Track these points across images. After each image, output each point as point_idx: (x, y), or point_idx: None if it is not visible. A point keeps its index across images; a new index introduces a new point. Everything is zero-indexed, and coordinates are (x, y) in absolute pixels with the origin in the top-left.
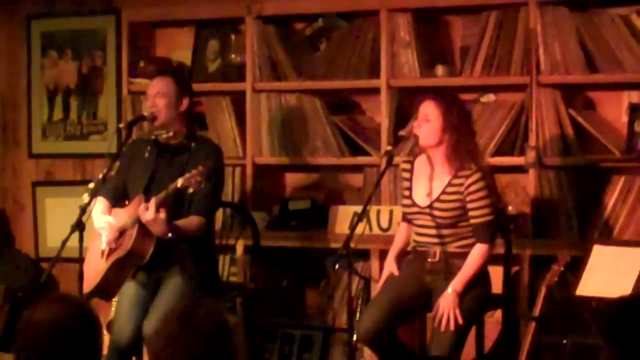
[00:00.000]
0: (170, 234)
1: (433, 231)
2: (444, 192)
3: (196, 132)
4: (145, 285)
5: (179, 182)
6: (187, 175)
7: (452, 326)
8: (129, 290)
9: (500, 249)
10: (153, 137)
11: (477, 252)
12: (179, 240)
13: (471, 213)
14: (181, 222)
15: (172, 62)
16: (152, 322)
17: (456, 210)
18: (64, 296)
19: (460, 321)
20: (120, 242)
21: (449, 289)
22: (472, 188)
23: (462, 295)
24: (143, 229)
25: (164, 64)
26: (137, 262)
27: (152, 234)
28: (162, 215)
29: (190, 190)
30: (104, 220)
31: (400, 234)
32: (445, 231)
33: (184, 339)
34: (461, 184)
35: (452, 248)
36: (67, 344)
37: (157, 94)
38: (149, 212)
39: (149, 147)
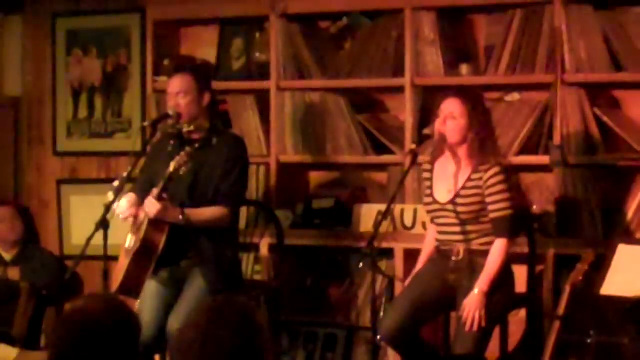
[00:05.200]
0: (180, 217)
1: (457, 228)
2: (464, 187)
3: (218, 126)
4: (167, 283)
5: (171, 167)
6: (177, 158)
7: (475, 327)
8: (151, 288)
9: (524, 248)
10: (176, 130)
11: (497, 248)
12: (199, 238)
13: (490, 207)
14: (193, 209)
15: (197, 61)
16: (177, 319)
17: (477, 205)
18: (102, 295)
19: (484, 324)
20: (137, 237)
21: (476, 290)
22: (491, 182)
23: (488, 295)
24: (154, 219)
25: (189, 62)
26: (153, 253)
27: (162, 224)
28: (164, 203)
29: (182, 172)
30: (122, 201)
31: (430, 236)
32: (469, 227)
33: (213, 332)
34: (480, 178)
35: (475, 245)
36: (105, 339)
37: (179, 93)
38: (148, 201)
39: (172, 142)
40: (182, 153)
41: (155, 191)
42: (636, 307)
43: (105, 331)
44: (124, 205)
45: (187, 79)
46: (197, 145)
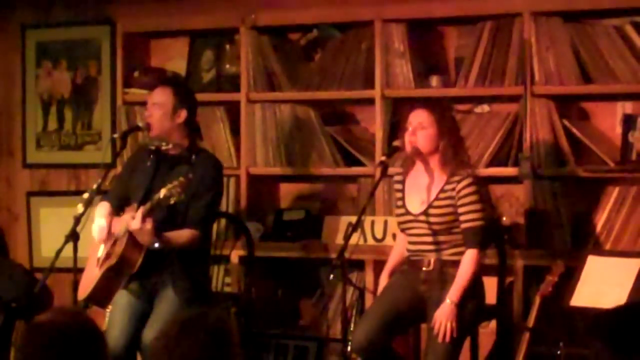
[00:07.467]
0: (157, 245)
1: (429, 238)
2: (437, 198)
3: (197, 145)
4: (138, 295)
5: (162, 193)
6: (169, 185)
7: (447, 338)
8: (122, 300)
9: (494, 260)
10: (153, 147)
11: (468, 259)
12: (170, 252)
13: (461, 218)
14: (171, 234)
15: (167, 73)
16: (152, 332)
17: (449, 216)
18: (65, 308)
19: (455, 334)
20: (112, 250)
21: (447, 301)
22: (463, 192)
23: (459, 306)
24: (133, 238)
25: (159, 74)
26: (128, 270)
27: (141, 244)
28: (148, 225)
29: (172, 201)
30: (97, 224)
31: (397, 246)
32: (440, 238)
33: (182, 346)
34: (453, 189)
35: (446, 256)
36: (71, 353)
37: (154, 104)
38: (135, 221)
39: (150, 156)
40: (176, 182)
41: (140, 210)
42: (605, 318)
43: (71, 345)
44: (96, 230)
45: (166, 92)
46: (190, 176)
